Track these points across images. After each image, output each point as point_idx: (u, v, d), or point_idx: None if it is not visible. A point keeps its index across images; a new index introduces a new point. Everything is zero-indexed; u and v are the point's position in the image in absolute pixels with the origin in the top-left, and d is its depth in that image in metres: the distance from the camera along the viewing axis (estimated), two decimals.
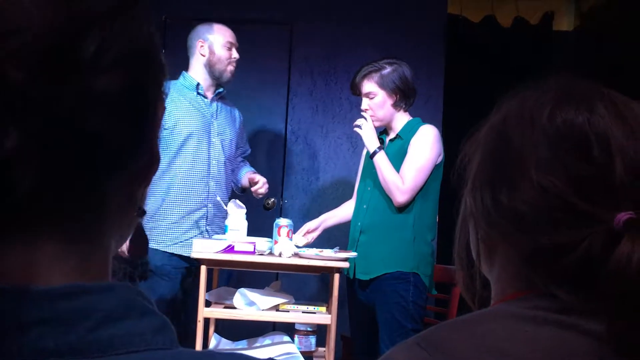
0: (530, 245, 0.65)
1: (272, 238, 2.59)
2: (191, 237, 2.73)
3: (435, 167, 2.62)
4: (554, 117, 0.65)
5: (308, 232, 2.77)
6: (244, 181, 3.00)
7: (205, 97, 2.90)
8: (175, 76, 2.93)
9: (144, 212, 0.52)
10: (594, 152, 0.63)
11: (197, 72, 2.90)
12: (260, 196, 2.95)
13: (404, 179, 2.56)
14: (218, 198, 2.83)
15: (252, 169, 3.07)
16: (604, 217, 0.61)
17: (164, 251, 2.75)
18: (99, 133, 0.43)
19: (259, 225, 3.13)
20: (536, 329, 0.62)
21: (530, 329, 0.62)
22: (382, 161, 2.60)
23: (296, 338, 2.62)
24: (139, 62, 0.46)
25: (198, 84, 2.87)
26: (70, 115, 0.41)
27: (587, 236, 0.61)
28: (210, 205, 2.83)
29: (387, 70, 2.64)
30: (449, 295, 3.04)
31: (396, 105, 2.66)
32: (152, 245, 2.75)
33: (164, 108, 0.51)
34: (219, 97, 2.94)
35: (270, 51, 3.85)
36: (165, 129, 2.73)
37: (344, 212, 2.86)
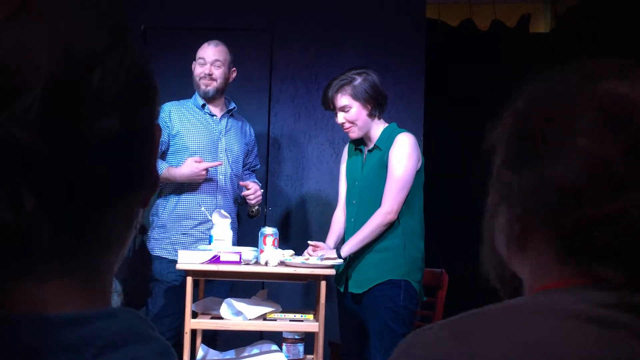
0: (574, 219, 0.61)
1: (257, 247, 2.59)
2: (200, 247, 2.75)
3: (417, 174, 2.64)
4: (596, 89, 0.64)
5: (316, 248, 2.69)
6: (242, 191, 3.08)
7: (213, 115, 3.01)
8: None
9: (144, 230, 0.53)
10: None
11: None
12: (253, 202, 3.01)
13: (387, 197, 2.58)
14: (203, 208, 2.84)
15: (256, 181, 3.14)
16: None
17: (172, 259, 2.80)
18: (105, 174, 0.44)
19: (245, 234, 3.13)
20: (580, 328, 0.56)
21: (573, 328, 0.56)
22: (352, 244, 2.60)
23: (284, 346, 2.62)
24: (135, 95, 0.46)
25: (204, 104, 3.00)
26: (77, 162, 0.42)
27: (634, 205, 0.58)
28: None
29: (358, 80, 2.65)
30: (434, 297, 3.06)
31: (371, 115, 2.68)
32: (161, 254, 2.85)
33: (161, 130, 0.52)
34: (229, 114, 3.06)
35: (251, 58, 3.85)
36: (171, 145, 2.90)
37: (340, 227, 2.83)
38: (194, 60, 3.03)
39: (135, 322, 0.46)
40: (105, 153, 0.43)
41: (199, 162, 2.83)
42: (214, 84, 2.98)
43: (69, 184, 0.42)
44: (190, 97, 3.07)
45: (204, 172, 2.83)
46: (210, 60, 2.98)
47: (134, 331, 0.45)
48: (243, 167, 3.11)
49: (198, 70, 2.98)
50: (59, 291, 0.44)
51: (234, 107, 3.08)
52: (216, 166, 2.90)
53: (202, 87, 2.98)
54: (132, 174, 0.46)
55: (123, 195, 0.46)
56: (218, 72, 2.98)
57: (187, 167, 2.82)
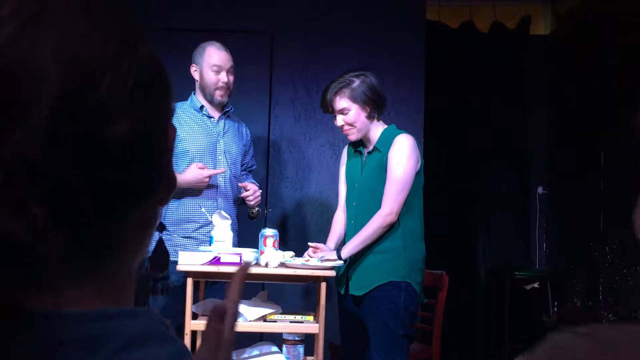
0: None
1: (257, 248, 2.59)
2: (201, 249, 2.75)
3: (416, 175, 2.64)
4: None
5: (316, 250, 2.68)
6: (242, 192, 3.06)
7: (211, 117, 2.98)
8: None
9: (163, 227, 0.53)
10: None
11: (199, 94, 3.00)
12: (253, 203, 2.99)
13: (386, 199, 2.58)
14: (203, 209, 2.84)
15: (254, 181, 3.13)
16: None
17: (173, 260, 2.78)
18: (119, 180, 0.43)
19: (245, 235, 3.12)
20: None
21: None
22: (352, 245, 2.59)
23: (284, 348, 2.62)
24: (145, 100, 0.45)
25: (202, 106, 2.96)
26: (88, 172, 0.41)
27: None
28: None
29: (356, 83, 2.64)
30: (434, 299, 3.06)
31: (370, 116, 2.67)
32: None
33: (175, 129, 0.52)
34: (226, 115, 3.02)
35: (251, 60, 3.85)
36: None
37: (340, 228, 2.83)
38: (193, 62, 2.98)
39: (155, 323, 0.46)
40: (116, 160, 0.43)
41: (202, 168, 2.83)
42: (228, 92, 2.98)
43: (81, 195, 0.41)
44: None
45: (207, 179, 2.83)
46: (226, 67, 2.93)
47: (155, 331, 0.46)
48: (240, 167, 3.10)
49: (213, 78, 2.91)
50: (77, 297, 0.44)
51: (231, 108, 3.04)
52: (220, 173, 2.89)
53: (218, 97, 2.93)
54: (148, 177, 0.46)
55: (139, 198, 0.46)
56: (231, 79, 2.98)
57: (191, 174, 2.81)
